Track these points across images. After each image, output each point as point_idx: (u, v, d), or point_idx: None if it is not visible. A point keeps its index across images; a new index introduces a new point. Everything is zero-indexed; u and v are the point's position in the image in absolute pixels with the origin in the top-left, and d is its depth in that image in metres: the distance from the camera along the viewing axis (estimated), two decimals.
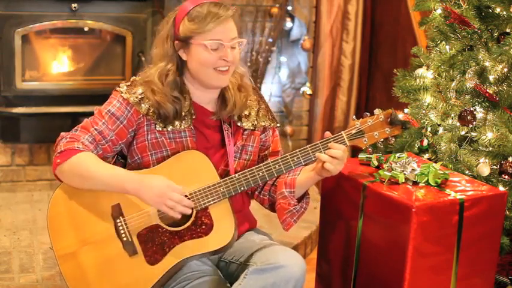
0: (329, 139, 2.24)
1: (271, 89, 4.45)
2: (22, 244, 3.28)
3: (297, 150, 2.24)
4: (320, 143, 2.24)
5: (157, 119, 2.24)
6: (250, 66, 4.24)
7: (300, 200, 2.37)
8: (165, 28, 2.27)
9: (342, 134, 2.25)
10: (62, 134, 2.27)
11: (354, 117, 2.33)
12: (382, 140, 2.30)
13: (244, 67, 2.42)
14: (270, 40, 4.24)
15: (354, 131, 2.25)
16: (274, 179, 2.38)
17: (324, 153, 2.22)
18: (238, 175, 2.22)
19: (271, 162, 2.23)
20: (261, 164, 2.24)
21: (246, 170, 2.23)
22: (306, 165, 2.30)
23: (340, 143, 2.24)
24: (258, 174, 2.22)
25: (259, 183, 2.26)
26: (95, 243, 2.22)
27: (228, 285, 2.23)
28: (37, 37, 3.92)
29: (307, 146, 2.24)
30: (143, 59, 3.97)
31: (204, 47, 2.20)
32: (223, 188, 2.20)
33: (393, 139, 2.31)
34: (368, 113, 2.29)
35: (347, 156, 2.26)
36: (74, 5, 3.82)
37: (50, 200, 2.26)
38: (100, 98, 3.93)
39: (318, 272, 2.73)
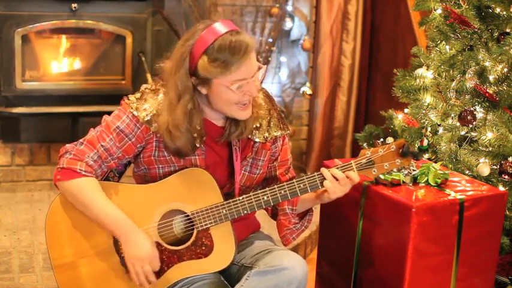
0: (337, 167, 2.18)
1: (271, 89, 4.43)
2: (22, 244, 3.28)
3: (304, 176, 2.18)
4: (328, 171, 2.18)
5: (169, 149, 2.18)
6: None
7: (302, 216, 2.35)
8: (179, 63, 2.10)
9: (351, 164, 2.18)
10: (67, 146, 2.18)
11: (365, 145, 2.29)
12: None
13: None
14: (270, 40, 4.24)
15: (364, 161, 2.18)
16: None
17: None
18: (243, 198, 2.16)
19: (277, 187, 2.17)
20: (267, 188, 2.18)
21: (251, 193, 2.17)
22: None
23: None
24: (263, 198, 2.16)
25: (263, 208, 2.22)
26: (92, 256, 2.19)
27: (229, 287, 2.22)
28: (37, 37, 3.91)
29: (315, 173, 2.19)
30: (143, 59, 3.97)
31: (227, 87, 2.08)
32: (226, 210, 2.15)
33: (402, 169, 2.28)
34: (380, 142, 2.26)
35: (351, 185, 2.19)
36: (74, 5, 3.82)
37: (50, 207, 2.21)
38: (100, 98, 3.99)
39: (318, 272, 2.73)
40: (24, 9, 3.78)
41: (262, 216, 2.49)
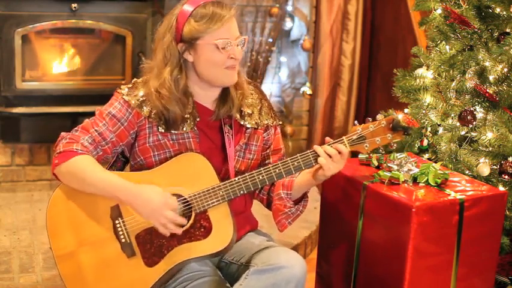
0: (330, 144, 2.23)
1: (271, 89, 4.45)
2: (22, 244, 3.28)
3: (298, 154, 2.23)
4: (320, 147, 2.22)
5: (161, 122, 2.24)
6: (250, 66, 4.24)
7: (297, 202, 2.36)
8: (166, 31, 2.24)
9: (343, 139, 2.23)
10: (62, 134, 2.27)
11: (356, 122, 2.32)
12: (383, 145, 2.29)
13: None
14: (270, 40, 4.24)
15: (355, 137, 2.23)
16: None
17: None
18: (238, 179, 2.21)
19: (272, 166, 2.23)
20: (261, 168, 2.23)
21: (246, 174, 2.22)
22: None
23: None
24: (258, 178, 2.22)
25: (259, 187, 2.25)
26: (93, 244, 2.23)
27: (228, 285, 2.23)
28: (37, 37, 3.91)
29: (308, 151, 2.23)
30: (143, 59, 3.97)
31: (213, 46, 2.20)
32: (222, 191, 2.20)
33: (395, 144, 2.30)
34: (370, 119, 2.28)
35: (345, 161, 2.24)
36: (74, 5, 3.82)
37: (50, 199, 2.26)
38: (100, 98, 3.95)
39: (318, 272, 2.73)
40: (24, 9, 3.78)
41: (261, 216, 2.50)
